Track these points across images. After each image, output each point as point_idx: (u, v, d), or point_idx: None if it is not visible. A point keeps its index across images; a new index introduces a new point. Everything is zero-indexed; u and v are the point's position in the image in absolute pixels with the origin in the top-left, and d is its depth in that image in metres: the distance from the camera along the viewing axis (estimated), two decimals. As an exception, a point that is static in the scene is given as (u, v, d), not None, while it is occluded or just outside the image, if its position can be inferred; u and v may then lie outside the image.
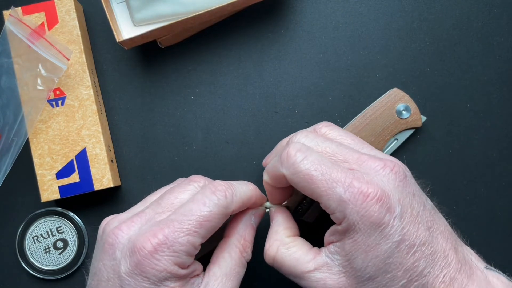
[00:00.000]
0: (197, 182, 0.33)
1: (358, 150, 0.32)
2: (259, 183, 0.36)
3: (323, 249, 0.32)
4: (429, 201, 0.32)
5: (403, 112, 0.42)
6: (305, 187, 0.30)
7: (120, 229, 0.31)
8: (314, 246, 0.33)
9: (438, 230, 0.31)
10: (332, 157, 0.31)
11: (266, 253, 0.34)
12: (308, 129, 0.35)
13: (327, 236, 0.32)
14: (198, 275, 0.32)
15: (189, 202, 0.31)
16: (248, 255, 0.34)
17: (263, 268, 0.42)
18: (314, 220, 0.38)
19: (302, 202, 0.37)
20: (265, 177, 0.35)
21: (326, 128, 0.35)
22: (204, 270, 0.33)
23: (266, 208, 0.36)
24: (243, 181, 0.35)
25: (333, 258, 0.31)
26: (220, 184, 0.32)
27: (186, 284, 0.30)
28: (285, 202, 0.37)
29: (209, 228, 0.31)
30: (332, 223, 0.31)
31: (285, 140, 0.38)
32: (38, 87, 0.42)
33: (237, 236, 0.34)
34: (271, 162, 0.34)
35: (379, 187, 0.29)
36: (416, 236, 0.29)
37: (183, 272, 0.30)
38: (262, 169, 0.37)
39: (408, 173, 0.32)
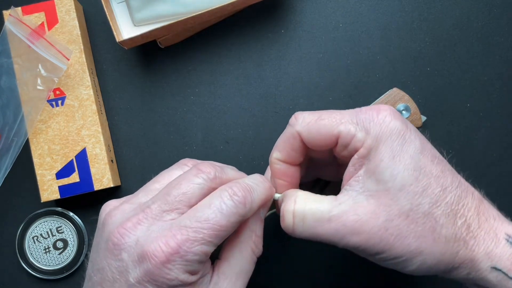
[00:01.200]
0: (206, 173, 0.31)
1: None
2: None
3: (342, 190, 0.31)
4: None
5: (403, 112, 0.42)
6: (321, 132, 0.31)
7: (126, 229, 0.29)
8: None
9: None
10: None
11: (283, 215, 0.31)
12: None
13: (348, 169, 0.31)
14: (207, 273, 0.31)
15: (205, 208, 0.29)
16: (260, 250, 0.33)
17: (268, 265, 0.42)
18: None
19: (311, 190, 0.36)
20: (276, 154, 0.33)
21: None
22: (212, 263, 0.31)
23: (274, 199, 0.34)
24: (258, 178, 0.33)
25: (356, 188, 0.30)
26: (240, 190, 0.30)
27: (195, 285, 0.29)
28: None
29: (224, 237, 0.29)
30: None
31: None
32: (38, 87, 0.42)
33: (248, 231, 0.32)
34: (279, 138, 0.33)
35: (388, 107, 0.30)
36: (434, 150, 0.30)
37: (193, 278, 0.29)
38: (262, 169, 0.37)
39: None
